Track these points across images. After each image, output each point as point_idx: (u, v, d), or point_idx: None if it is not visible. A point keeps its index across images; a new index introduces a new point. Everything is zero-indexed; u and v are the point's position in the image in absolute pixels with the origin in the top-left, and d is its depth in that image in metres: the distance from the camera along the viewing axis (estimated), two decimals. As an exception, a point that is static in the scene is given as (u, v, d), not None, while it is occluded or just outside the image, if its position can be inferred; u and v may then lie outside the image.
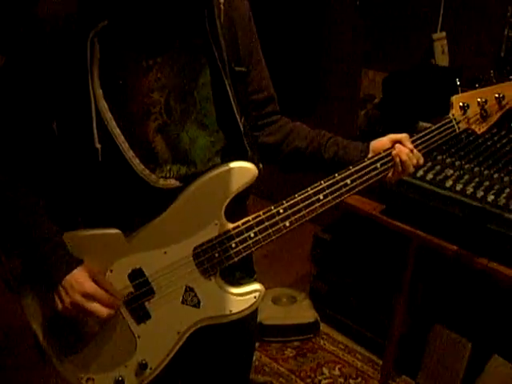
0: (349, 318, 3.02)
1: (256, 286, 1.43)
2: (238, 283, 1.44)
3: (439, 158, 2.27)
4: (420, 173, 2.20)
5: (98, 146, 1.25)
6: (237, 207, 1.40)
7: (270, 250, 3.51)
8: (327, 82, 3.62)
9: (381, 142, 1.47)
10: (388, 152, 1.44)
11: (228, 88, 1.33)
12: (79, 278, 1.29)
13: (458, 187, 2.10)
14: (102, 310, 1.30)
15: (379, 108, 3.04)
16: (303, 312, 3.05)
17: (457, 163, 2.23)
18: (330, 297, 3.09)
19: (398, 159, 1.43)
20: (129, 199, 1.35)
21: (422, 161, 1.46)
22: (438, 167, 2.23)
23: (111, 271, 1.36)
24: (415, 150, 1.45)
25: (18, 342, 2.76)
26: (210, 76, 1.34)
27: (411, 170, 1.44)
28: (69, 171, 1.37)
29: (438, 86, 2.62)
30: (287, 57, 3.49)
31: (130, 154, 1.28)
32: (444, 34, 2.98)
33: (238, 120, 1.36)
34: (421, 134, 1.48)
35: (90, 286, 1.29)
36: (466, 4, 2.87)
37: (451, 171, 2.20)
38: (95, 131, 1.25)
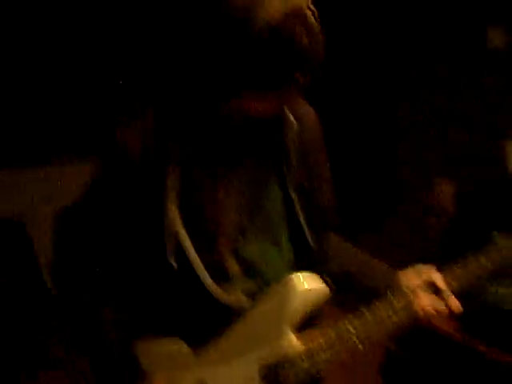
0: None
1: None
2: None
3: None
4: (501, 290, 2.11)
5: (174, 264, 1.30)
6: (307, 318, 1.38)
7: (339, 363, 3.37)
8: (399, 193, 3.61)
9: (408, 275, 1.42)
10: (408, 301, 1.37)
11: (297, 205, 1.36)
12: None
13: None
14: None
15: (453, 219, 3.00)
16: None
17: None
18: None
19: (421, 313, 1.36)
20: (198, 314, 1.36)
21: (456, 305, 1.37)
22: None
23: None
24: (447, 293, 1.36)
25: None
26: (281, 194, 1.37)
27: (444, 315, 1.37)
28: (143, 285, 1.41)
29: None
30: (359, 170, 3.54)
31: (202, 272, 1.32)
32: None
33: (308, 237, 1.38)
34: (456, 268, 1.39)
35: None
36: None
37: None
38: (171, 250, 1.30)
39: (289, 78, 1.16)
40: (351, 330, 1.33)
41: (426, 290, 1.37)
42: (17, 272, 3.38)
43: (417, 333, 2.89)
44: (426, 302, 1.36)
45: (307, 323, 1.38)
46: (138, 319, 1.44)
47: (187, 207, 1.31)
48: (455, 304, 1.37)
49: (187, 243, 1.30)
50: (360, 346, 1.33)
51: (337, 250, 1.53)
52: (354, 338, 1.33)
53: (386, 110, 3.49)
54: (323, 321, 1.43)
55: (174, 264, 1.30)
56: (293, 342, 1.34)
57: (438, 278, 1.38)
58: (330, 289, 1.37)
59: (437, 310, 1.36)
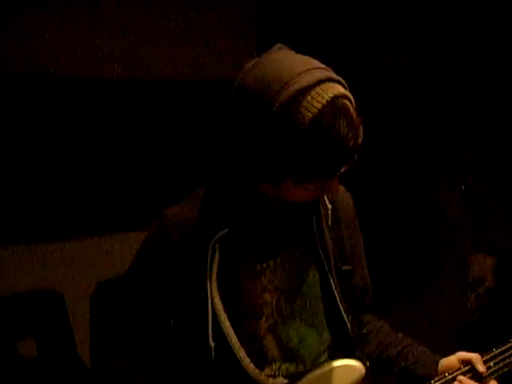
0: None
1: None
2: None
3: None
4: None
5: (212, 344, 1.30)
6: None
7: None
8: (435, 267, 3.56)
9: (449, 362, 1.40)
10: (451, 377, 1.36)
11: (334, 287, 1.37)
12: None
13: None
14: None
15: (491, 292, 2.94)
16: None
17: None
18: None
19: None
20: None
21: None
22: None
23: None
24: (488, 378, 1.35)
25: None
26: (318, 275, 1.38)
27: None
28: (182, 366, 1.42)
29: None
30: (395, 243, 3.52)
31: (241, 353, 1.32)
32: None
33: (346, 319, 1.38)
34: (498, 352, 1.37)
35: None
36: None
37: None
38: (210, 330, 1.30)
39: (329, 172, 1.17)
40: None
41: (466, 374, 1.35)
42: (54, 345, 3.38)
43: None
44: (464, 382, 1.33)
45: None
46: None
47: (226, 289, 1.32)
48: None
49: (226, 324, 1.31)
50: None
51: (375, 332, 1.52)
52: None
53: (423, 184, 3.50)
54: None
55: (212, 344, 1.30)
56: None
57: (478, 362, 1.36)
58: (367, 371, 1.36)
59: None
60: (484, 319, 2.89)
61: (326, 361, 1.38)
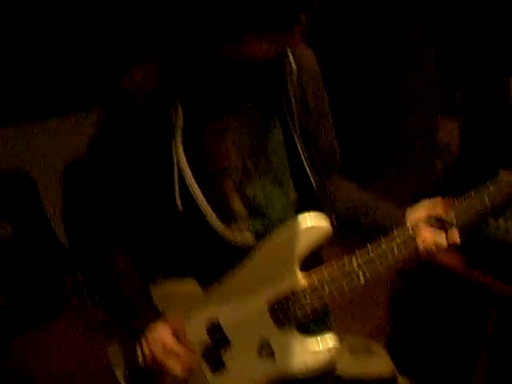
0: (428, 370, 2.92)
1: (332, 341, 1.42)
2: (314, 337, 1.43)
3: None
4: (501, 223, 2.14)
5: (180, 207, 1.33)
6: (312, 257, 1.42)
7: (348, 299, 3.44)
8: (403, 131, 3.60)
9: (414, 211, 1.42)
10: (409, 235, 1.37)
11: (299, 146, 1.38)
12: (161, 332, 1.33)
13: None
14: (180, 368, 1.32)
15: (457, 156, 3.00)
16: (380, 364, 2.96)
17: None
18: (408, 349, 3.00)
19: (422, 248, 1.37)
20: (206, 255, 1.40)
21: (455, 237, 1.37)
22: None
23: (189, 322, 1.40)
24: (449, 224, 1.37)
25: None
26: (283, 135, 1.39)
27: (444, 250, 1.38)
28: (151, 229, 1.45)
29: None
30: (362, 108, 3.52)
31: (208, 212, 1.35)
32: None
33: (311, 177, 1.40)
34: (459, 204, 1.39)
35: (171, 341, 1.33)
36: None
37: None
38: (177, 190, 1.32)
39: (287, 20, 1.15)
40: (355, 264, 1.36)
41: (429, 223, 1.37)
42: (27, 225, 3.41)
43: (421, 268, 2.96)
44: (426, 235, 1.36)
45: (314, 263, 1.42)
46: (150, 262, 1.48)
47: (192, 150, 1.33)
48: (455, 236, 1.37)
49: (193, 184, 1.32)
50: (362, 281, 1.36)
51: (343, 191, 1.54)
52: (357, 273, 1.36)
53: (387, 50, 3.45)
54: (329, 260, 1.45)
55: (180, 204, 1.32)
56: (299, 277, 1.38)
57: (441, 210, 1.39)
58: (334, 227, 1.39)
59: (436, 243, 1.36)
60: (450, 182, 2.97)
61: (294, 218, 1.40)
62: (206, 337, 1.41)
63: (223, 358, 1.41)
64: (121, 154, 1.36)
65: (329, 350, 1.41)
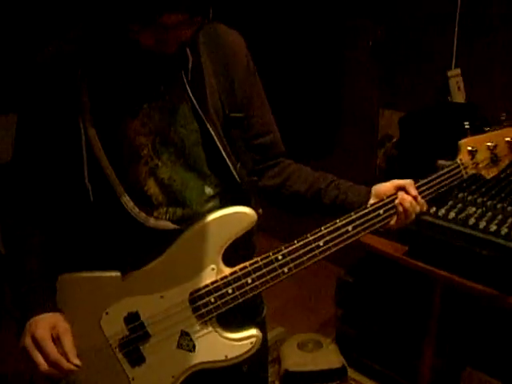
0: (377, 362, 2.95)
1: (253, 331, 1.41)
2: (237, 328, 1.42)
3: (460, 195, 2.25)
4: (442, 212, 2.17)
5: (88, 184, 1.31)
6: (243, 248, 1.42)
7: (295, 295, 3.49)
8: (345, 124, 3.62)
9: (384, 188, 1.46)
10: (391, 199, 1.43)
11: (213, 134, 1.36)
12: (39, 323, 1.30)
13: (482, 225, 2.07)
14: (42, 364, 1.27)
15: (397, 147, 3.03)
16: (330, 357, 2.98)
17: (479, 200, 2.21)
18: (356, 341, 3.03)
19: (400, 208, 1.42)
20: (122, 239, 1.38)
21: (425, 208, 1.45)
22: (459, 205, 2.21)
23: (107, 313, 1.37)
24: (419, 198, 1.43)
25: None
26: (197, 123, 1.37)
27: (413, 217, 1.44)
28: (64, 212, 1.42)
29: (455, 123, 2.61)
30: (304, 100, 3.52)
31: (120, 192, 1.33)
32: (459, 70, 2.97)
33: (230, 166, 1.39)
34: (426, 180, 1.46)
35: (40, 334, 1.28)
36: (479, 40, 2.88)
37: (473, 209, 2.18)
38: (86, 169, 1.31)
39: (150, 12, 1.14)
40: (279, 257, 1.36)
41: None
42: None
43: (366, 259, 2.99)
44: (406, 199, 1.41)
45: (243, 248, 1.42)
46: (66, 249, 1.44)
47: (105, 135, 1.31)
48: (425, 205, 1.44)
49: (103, 157, 1.31)
50: (286, 272, 1.37)
51: (299, 173, 1.53)
52: (282, 263, 1.36)
53: (330, 43, 3.46)
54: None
55: (87, 181, 1.31)
56: (220, 267, 1.37)
57: (411, 186, 1.43)
58: (258, 215, 1.38)
59: (410, 208, 1.41)
60: (391, 172, 3.01)
61: (214, 207, 1.40)
62: (124, 330, 1.38)
63: (143, 351, 1.39)
64: (36, 135, 1.36)
65: (250, 340, 1.40)
